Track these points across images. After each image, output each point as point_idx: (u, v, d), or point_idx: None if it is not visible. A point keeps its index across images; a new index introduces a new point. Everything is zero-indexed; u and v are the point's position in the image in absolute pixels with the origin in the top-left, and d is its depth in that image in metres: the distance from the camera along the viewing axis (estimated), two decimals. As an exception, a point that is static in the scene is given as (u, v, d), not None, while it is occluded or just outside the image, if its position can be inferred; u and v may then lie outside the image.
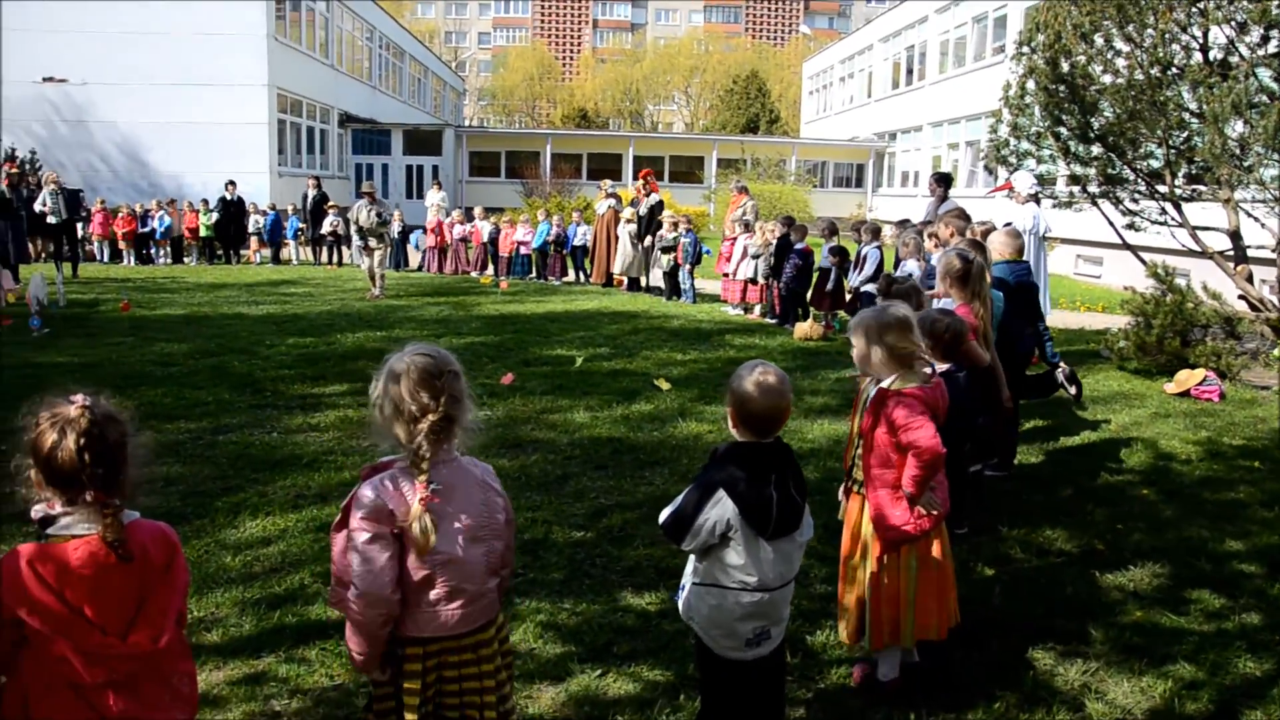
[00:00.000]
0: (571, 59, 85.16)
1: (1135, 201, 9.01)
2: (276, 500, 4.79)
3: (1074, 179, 9.20)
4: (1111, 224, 9.14)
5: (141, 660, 1.88)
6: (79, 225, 16.73)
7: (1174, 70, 8.11)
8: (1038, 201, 9.50)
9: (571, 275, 16.09)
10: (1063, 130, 8.89)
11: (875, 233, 10.33)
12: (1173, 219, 8.77)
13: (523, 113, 76.14)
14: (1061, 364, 5.70)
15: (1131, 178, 8.87)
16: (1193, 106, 8.03)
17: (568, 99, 71.31)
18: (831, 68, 39.04)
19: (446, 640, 2.14)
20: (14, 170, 15.19)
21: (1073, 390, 5.78)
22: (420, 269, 18.03)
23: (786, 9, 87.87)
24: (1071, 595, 3.89)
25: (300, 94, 25.39)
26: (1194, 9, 7.91)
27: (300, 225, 19.70)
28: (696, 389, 7.39)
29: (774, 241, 11.36)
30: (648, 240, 13.92)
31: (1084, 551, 4.35)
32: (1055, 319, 10.63)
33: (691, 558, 2.58)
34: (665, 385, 7.45)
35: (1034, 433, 6.38)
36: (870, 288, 8.73)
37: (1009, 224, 7.00)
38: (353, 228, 14.02)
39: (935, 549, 3.06)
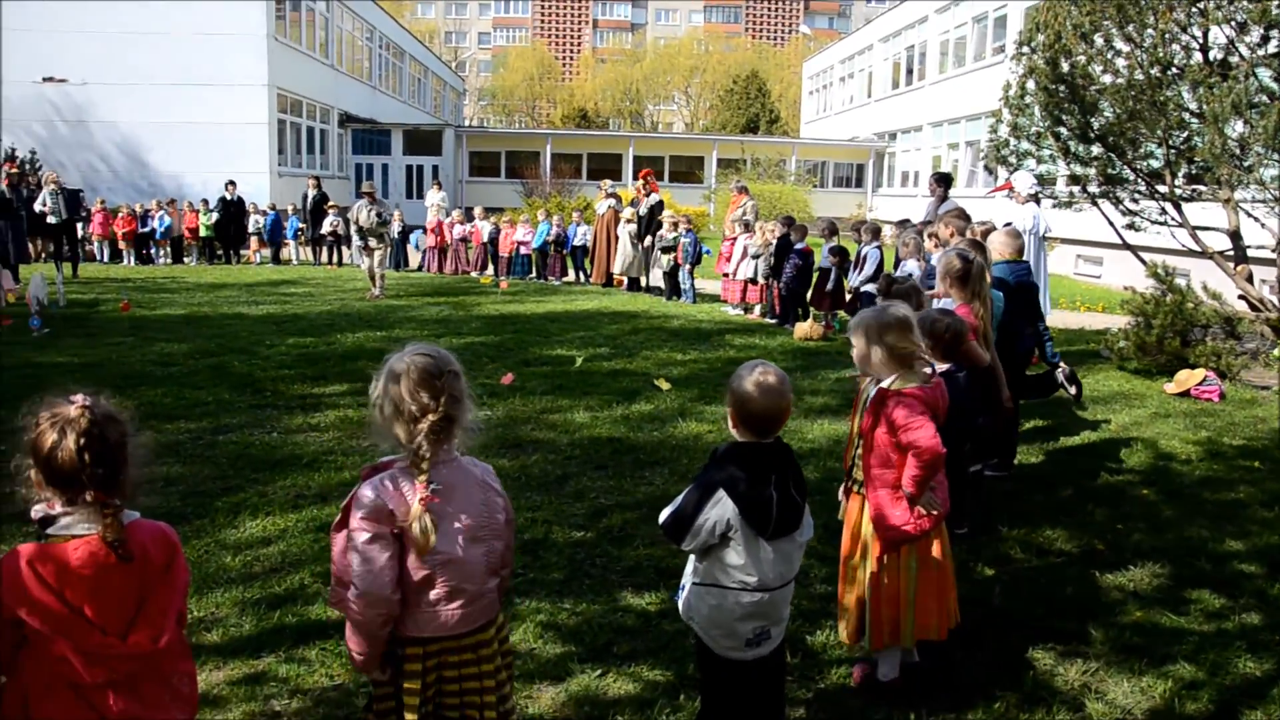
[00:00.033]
0: (571, 59, 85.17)
1: (1135, 201, 9.01)
2: (276, 500, 4.79)
3: (1074, 179, 9.20)
4: (1111, 224, 9.14)
5: (142, 660, 1.88)
6: (79, 225, 16.73)
7: (1174, 70, 8.11)
8: (1038, 201, 9.49)
9: (571, 275, 16.08)
10: (1063, 130, 8.89)
11: (875, 233, 10.33)
12: (1173, 219, 8.77)
13: (523, 113, 76.16)
14: (1061, 364, 5.70)
15: (1131, 178, 8.88)
16: (1193, 106, 8.03)
17: (568, 99, 71.30)
18: (831, 68, 39.04)
19: (446, 640, 2.14)
20: (14, 170, 15.21)
21: (1073, 390, 5.78)
22: (420, 269, 18.03)
23: (786, 9, 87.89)
24: (1071, 595, 3.89)
25: (300, 94, 25.39)
26: (1194, 9, 7.91)
27: (300, 225, 19.69)
28: (696, 389, 7.39)
29: (774, 241, 11.36)
30: (648, 240, 13.91)
31: (1084, 551, 4.35)
32: (1055, 319, 10.63)
33: (691, 558, 2.58)
34: (665, 385, 7.45)
35: (1034, 433, 6.38)
36: (870, 288, 8.74)
37: (1009, 224, 7.00)
38: (353, 228, 14.01)
39: (935, 549, 3.06)
